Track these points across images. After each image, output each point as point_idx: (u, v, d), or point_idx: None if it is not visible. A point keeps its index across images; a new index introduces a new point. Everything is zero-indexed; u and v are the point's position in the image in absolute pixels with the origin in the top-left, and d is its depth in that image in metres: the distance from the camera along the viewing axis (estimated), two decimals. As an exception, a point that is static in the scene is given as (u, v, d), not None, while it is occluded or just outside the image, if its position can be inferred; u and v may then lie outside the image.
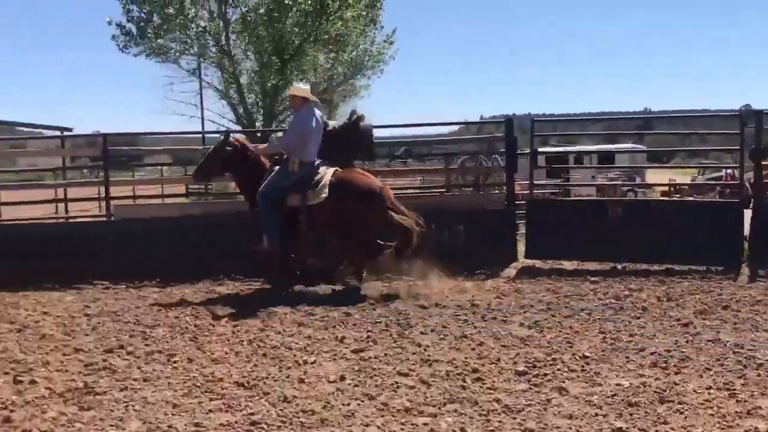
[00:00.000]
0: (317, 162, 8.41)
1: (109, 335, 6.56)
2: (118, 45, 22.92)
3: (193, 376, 5.29)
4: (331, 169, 8.44)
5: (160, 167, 25.69)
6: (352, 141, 9.23)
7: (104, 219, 10.27)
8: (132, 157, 20.84)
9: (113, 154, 10.59)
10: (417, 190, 15.99)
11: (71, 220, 11.95)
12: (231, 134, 8.92)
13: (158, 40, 22.67)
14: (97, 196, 11.17)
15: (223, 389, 5.00)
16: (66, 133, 14.12)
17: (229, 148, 8.58)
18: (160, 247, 9.29)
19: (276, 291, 8.42)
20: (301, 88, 8.74)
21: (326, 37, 23.43)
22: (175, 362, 5.67)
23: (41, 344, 6.29)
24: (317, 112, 8.60)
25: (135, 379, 5.25)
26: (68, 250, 8.87)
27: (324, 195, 8.20)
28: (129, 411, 4.61)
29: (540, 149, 12.02)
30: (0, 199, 12.03)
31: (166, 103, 27.16)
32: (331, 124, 9.65)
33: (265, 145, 8.72)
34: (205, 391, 4.97)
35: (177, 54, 23.66)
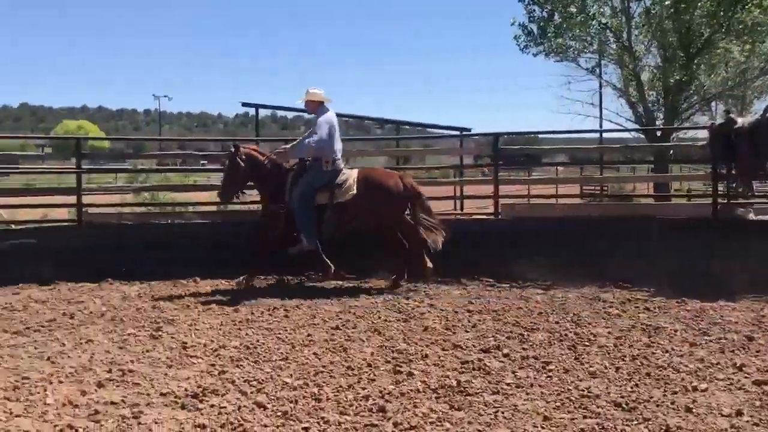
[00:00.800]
0: (340, 162, 8.80)
1: (487, 334, 6.49)
2: (519, 45, 23.32)
3: (568, 389, 4.94)
4: (355, 170, 8.95)
5: (555, 167, 25.87)
6: (765, 139, 8.22)
7: (492, 217, 10.43)
8: (531, 157, 21.10)
9: (505, 153, 10.66)
10: None
11: (459, 217, 12.35)
12: (240, 146, 8.92)
13: (557, 39, 22.57)
14: (491, 194, 11.39)
15: (598, 407, 4.57)
16: (464, 133, 14.77)
17: (241, 161, 8.73)
18: (547, 249, 9.05)
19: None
20: (316, 92, 8.71)
21: (741, 27, 21.06)
22: (550, 371, 5.36)
23: (423, 336, 6.44)
24: (332, 112, 8.81)
25: (507, 384, 5.06)
26: (455, 246, 9.00)
27: (353, 192, 8.61)
28: (498, 417, 4.43)
29: None
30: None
31: (563, 102, 26.77)
32: (740, 121, 8.67)
33: (284, 151, 8.84)
34: (579, 407, 4.60)
35: (576, 52, 23.32)
